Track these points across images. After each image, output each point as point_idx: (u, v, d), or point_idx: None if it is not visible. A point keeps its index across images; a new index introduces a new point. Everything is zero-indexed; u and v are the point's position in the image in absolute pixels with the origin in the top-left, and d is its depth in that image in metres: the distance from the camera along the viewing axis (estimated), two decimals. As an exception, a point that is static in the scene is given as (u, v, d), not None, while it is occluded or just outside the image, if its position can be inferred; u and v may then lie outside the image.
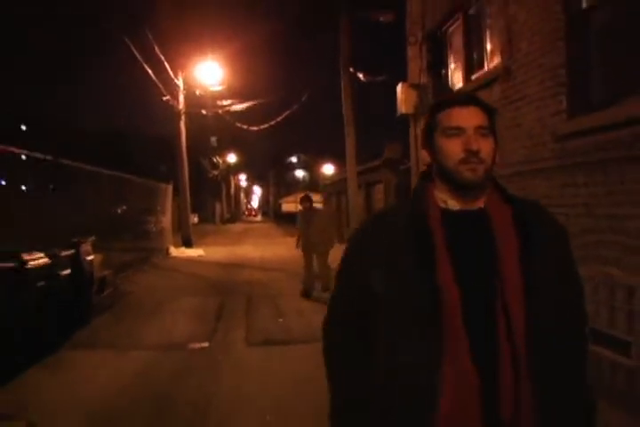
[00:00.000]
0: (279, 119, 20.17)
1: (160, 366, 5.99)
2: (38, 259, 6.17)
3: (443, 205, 1.59)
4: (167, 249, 18.99)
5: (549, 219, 1.64)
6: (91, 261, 8.09)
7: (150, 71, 17.45)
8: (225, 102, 21.90)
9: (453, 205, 1.58)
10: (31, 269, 5.93)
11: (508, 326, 1.43)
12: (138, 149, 43.19)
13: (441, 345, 1.42)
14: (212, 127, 39.50)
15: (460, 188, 1.56)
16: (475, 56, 7.35)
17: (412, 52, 9.26)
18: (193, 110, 22.58)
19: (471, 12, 7.28)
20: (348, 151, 15.17)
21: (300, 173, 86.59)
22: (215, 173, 52.39)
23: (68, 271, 7.10)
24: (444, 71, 8.58)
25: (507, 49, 6.06)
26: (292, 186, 79.17)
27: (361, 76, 13.85)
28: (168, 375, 5.68)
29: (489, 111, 1.59)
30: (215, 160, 51.84)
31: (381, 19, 14.31)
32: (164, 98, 19.72)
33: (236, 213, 69.50)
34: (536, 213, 1.62)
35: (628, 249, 4.21)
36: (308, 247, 10.43)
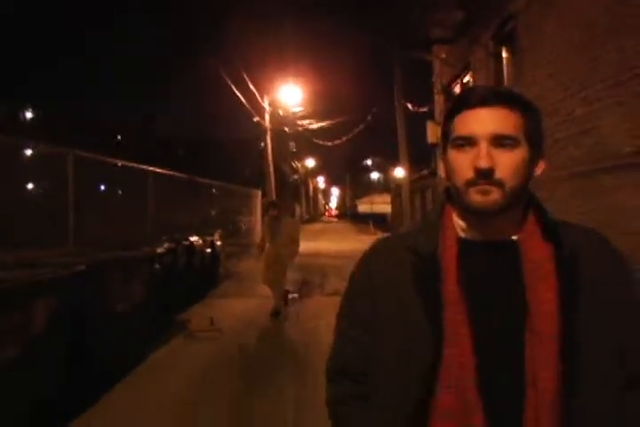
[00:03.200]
0: (349, 136, 24.34)
1: (268, 304, 10.06)
2: (197, 241, 10.40)
3: (462, 234, 1.22)
4: (258, 243, 23.20)
5: (606, 252, 1.23)
6: (219, 245, 12.33)
7: (244, 99, 21.73)
8: (304, 122, 26.30)
9: (473, 235, 1.21)
10: (195, 246, 10.15)
11: (536, 397, 1.10)
12: (224, 156, 47.55)
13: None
14: (292, 134, 43.39)
15: (473, 214, 1.18)
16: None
17: (436, 98, 13.04)
18: (277, 127, 26.92)
19: (465, 80, 11.02)
20: (401, 162, 18.99)
21: (374, 175, 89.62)
22: (295, 177, 56.93)
23: (209, 250, 11.34)
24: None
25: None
26: (368, 187, 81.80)
27: (409, 106, 17.57)
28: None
29: (524, 111, 1.15)
30: (294, 165, 56.17)
31: (428, 58, 18.06)
32: (255, 119, 24.05)
33: (314, 213, 73.46)
34: (587, 244, 1.20)
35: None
36: (272, 261, 9.14)
